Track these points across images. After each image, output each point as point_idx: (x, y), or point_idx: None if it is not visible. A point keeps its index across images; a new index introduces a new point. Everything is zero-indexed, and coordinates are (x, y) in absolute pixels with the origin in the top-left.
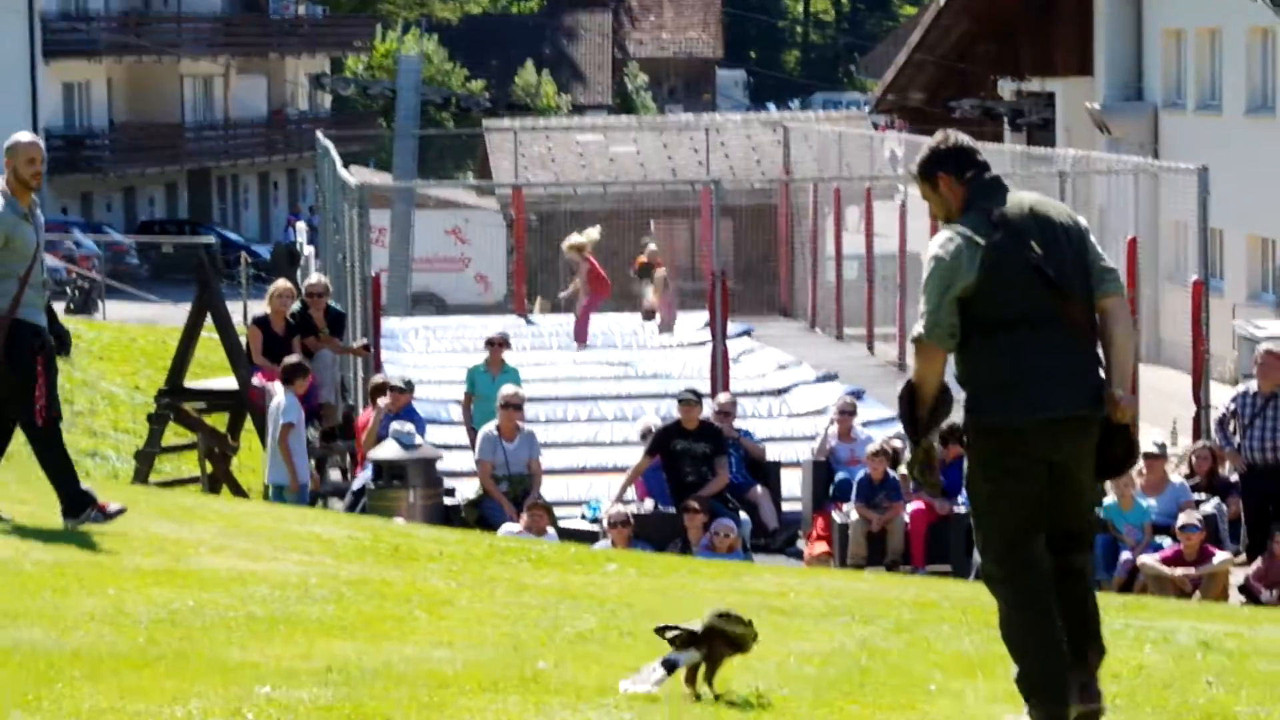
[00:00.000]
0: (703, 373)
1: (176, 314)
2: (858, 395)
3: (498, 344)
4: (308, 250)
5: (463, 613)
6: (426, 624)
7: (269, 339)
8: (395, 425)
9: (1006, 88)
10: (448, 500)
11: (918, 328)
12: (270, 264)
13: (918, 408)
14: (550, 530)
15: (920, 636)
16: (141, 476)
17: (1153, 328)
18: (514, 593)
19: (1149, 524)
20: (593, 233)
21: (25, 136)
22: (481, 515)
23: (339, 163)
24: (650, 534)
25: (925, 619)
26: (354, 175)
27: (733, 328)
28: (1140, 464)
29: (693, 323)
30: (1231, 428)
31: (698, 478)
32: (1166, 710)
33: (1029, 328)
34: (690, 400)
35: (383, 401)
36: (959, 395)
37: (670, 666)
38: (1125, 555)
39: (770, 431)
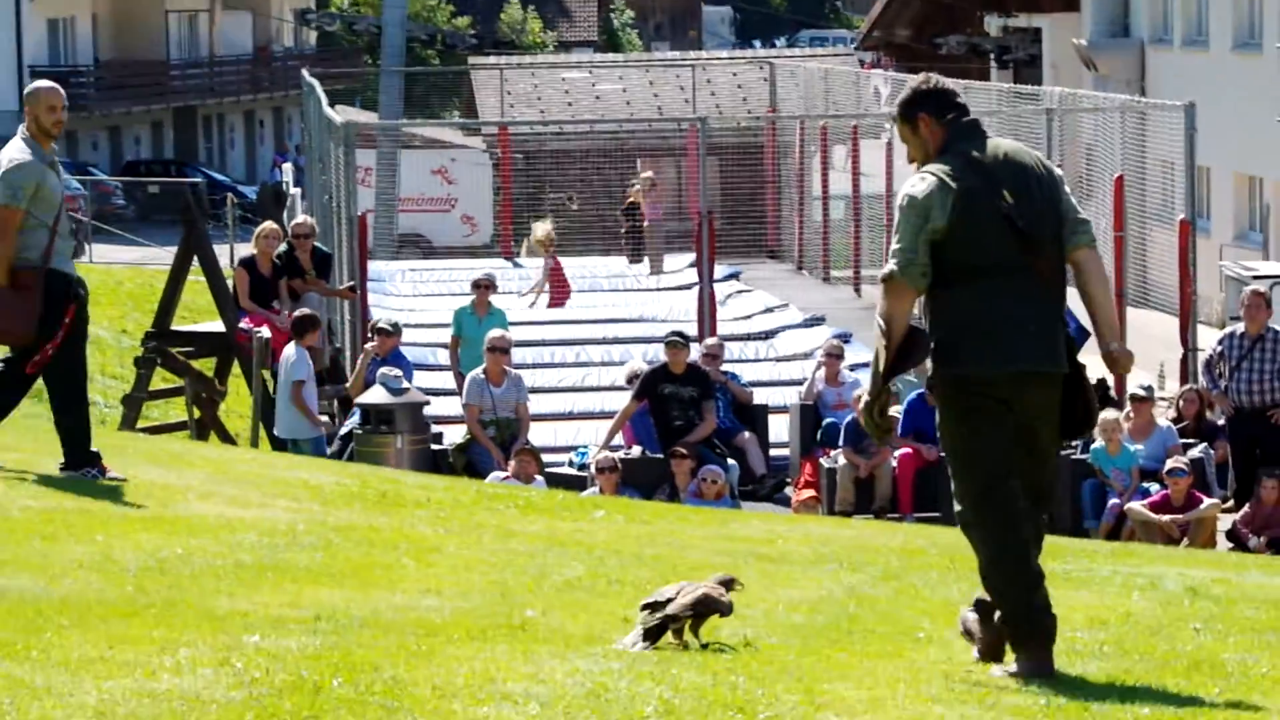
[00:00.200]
0: (689, 315)
1: (163, 256)
2: (845, 339)
3: (484, 286)
4: (294, 191)
5: (450, 560)
6: (414, 571)
7: (255, 281)
8: (382, 370)
9: (993, 24)
10: (435, 446)
11: (889, 265)
12: (256, 205)
13: (884, 348)
14: (538, 477)
15: (908, 584)
16: (129, 422)
17: (1139, 269)
18: (502, 540)
19: (1136, 469)
20: (547, 226)
21: (46, 83)
22: (469, 461)
23: (324, 101)
24: (638, 480)
25: (913, 566)
26: (340, 114)
27: (720, 270)
28: (1128, 407)
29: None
30: (1219, 370)
31: (685, 422)
32: (1154, 657)
33: (999, 276)
34: (677, 343)
35: (369, 345)
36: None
37: (653, 637)
38: (1113, 501)
39: (757, 375)
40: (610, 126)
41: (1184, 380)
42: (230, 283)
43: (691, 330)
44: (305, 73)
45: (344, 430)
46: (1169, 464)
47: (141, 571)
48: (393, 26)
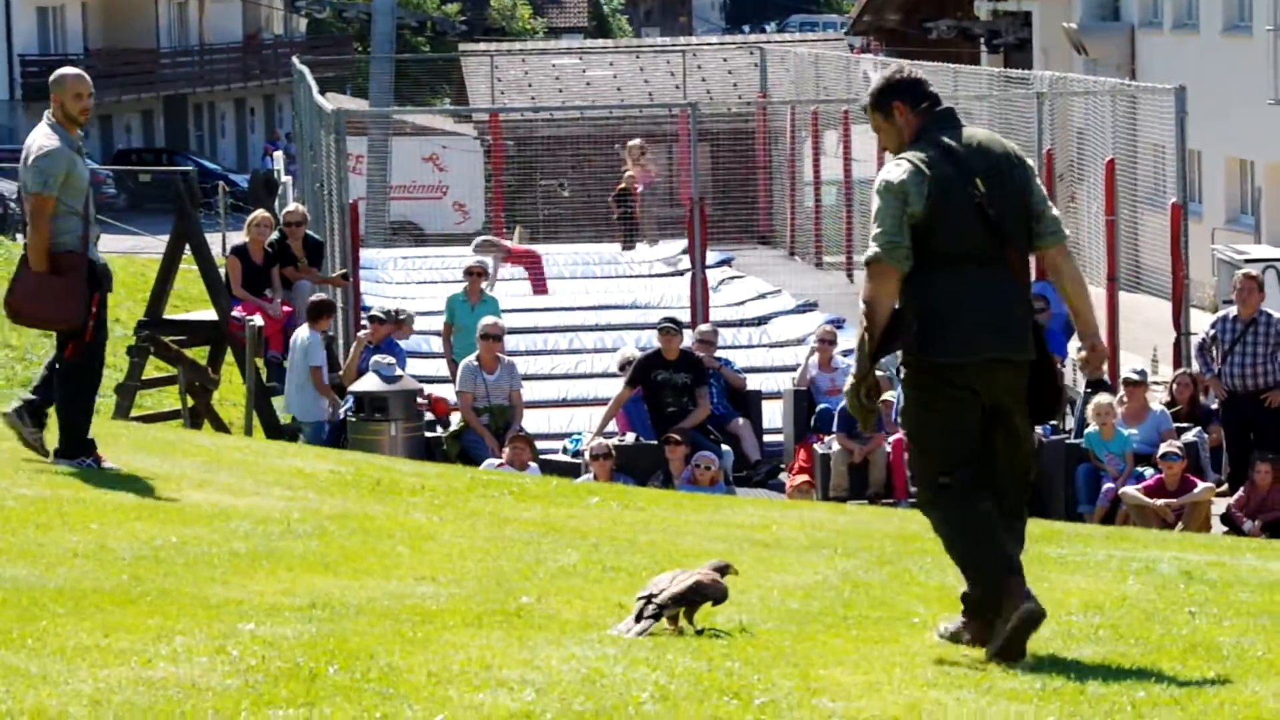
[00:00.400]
0: (682, 301)
1: (155, 245)
2: (838, 324)
3: (477, 274)
4: (285, 179)
5: (445, 547)
6: (409, 558)
7: (248, 269)
8: (376, 358)
9: (983, 7)
10: (429, 433)
11: (873, 249)
12: (248, 193)
13: (869, 332)
14: (532, 464)
15: (903, 569)
16: (122, 411)
17: (1131, 253)
18: (496, 526)
19: (1130, 453)
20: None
21: (72, 70)
22: (463, 448)
23: (315, 89)
24: (632, 467)
25: (907, 551)
26: (330, 101)
27: (712, 256)
28: (1121, 392)
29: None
30: (1212, 354)
31: (679, 408)
32: (1149, 641)
33: (969, 264)
34: (671, 330)
35: (363, 333)
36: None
37: (647, 626)
38: (1107, 485)
39: (750, 361)
40: (601, 113)
41: (1177, 364)
42: (222, 271)
43: (684, 316)
44: (295, 60)
45: (338, 418)
46: (1163, 448)
47: (136, 560)
48: (382, 13)
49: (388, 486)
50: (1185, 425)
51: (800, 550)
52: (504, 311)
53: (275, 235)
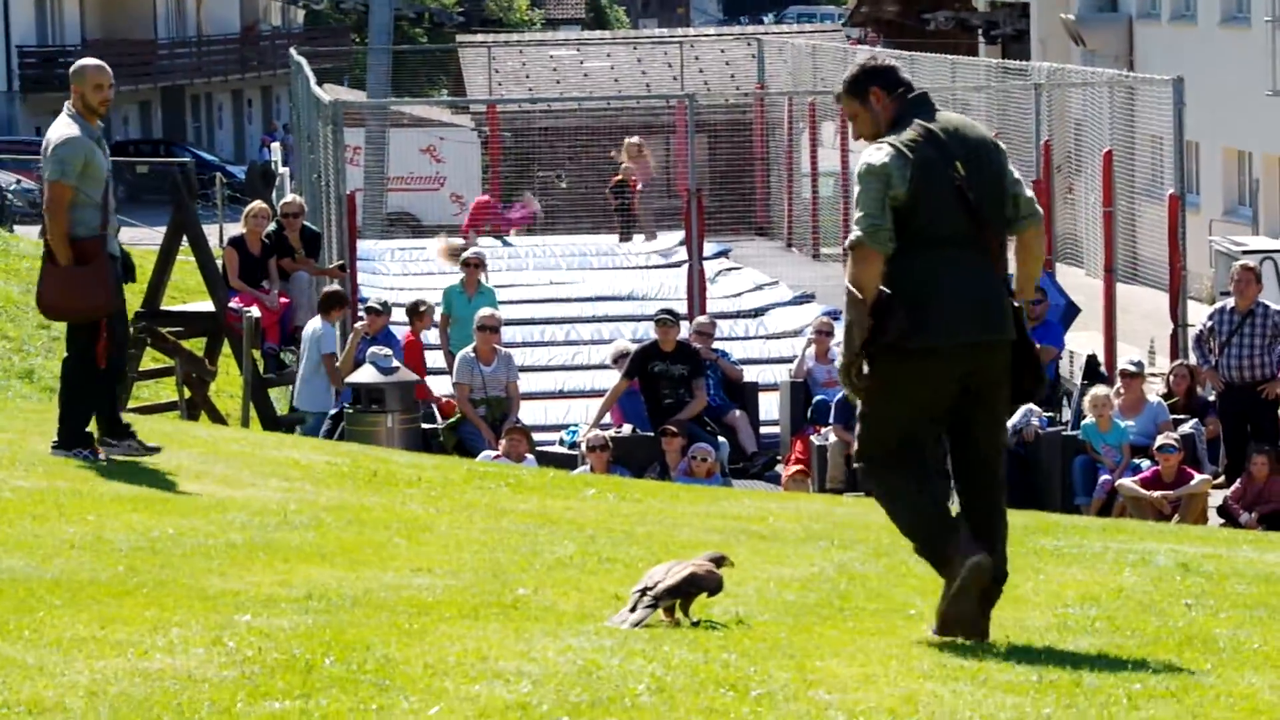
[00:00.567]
0: (679, 293)
1: (152, 236)
2: (835, 315)
3: (473, 265)
4: (282, 170)
5: (442, 539)
6: (406, 550)
7: (245, 261)
8: (373, 349)
9: None
10: (425, 425)
11: (856, 233)
12: (245, 184)
13: (855, 316)
14: (529, 455)
15: (899, 561)
16: (119, 402)
17: (1129, 244)
18: (493, 518)
19: (1127, 445)
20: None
21: (92, 61)
22: (460, 440)
23: (312, 80)
24: (628, 458)
25: (904, 543)
26: (327, 93)
27: (709, 247)
28: (1118, 383)
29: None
30: (1209, 345)
31: (675, 400)
32: (1146, 633)
33: (950, 247)
34: (667, 321)
35: (359, 324)
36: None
37: (643, 616)
38: (1104, 477)
39: (747, 353)
40: (598, 104)
41: (1174, 356)
42: (220, 262)
43: (681, 308)
44: (293, 51)
45: (334, 410)
46: (1160, 440)
47: (133, 551)
48: (380, 5)
49: (384, 478)
50: (1182, 417)
51: (797, 542)
52: (501, 303)
53: (272, 226)
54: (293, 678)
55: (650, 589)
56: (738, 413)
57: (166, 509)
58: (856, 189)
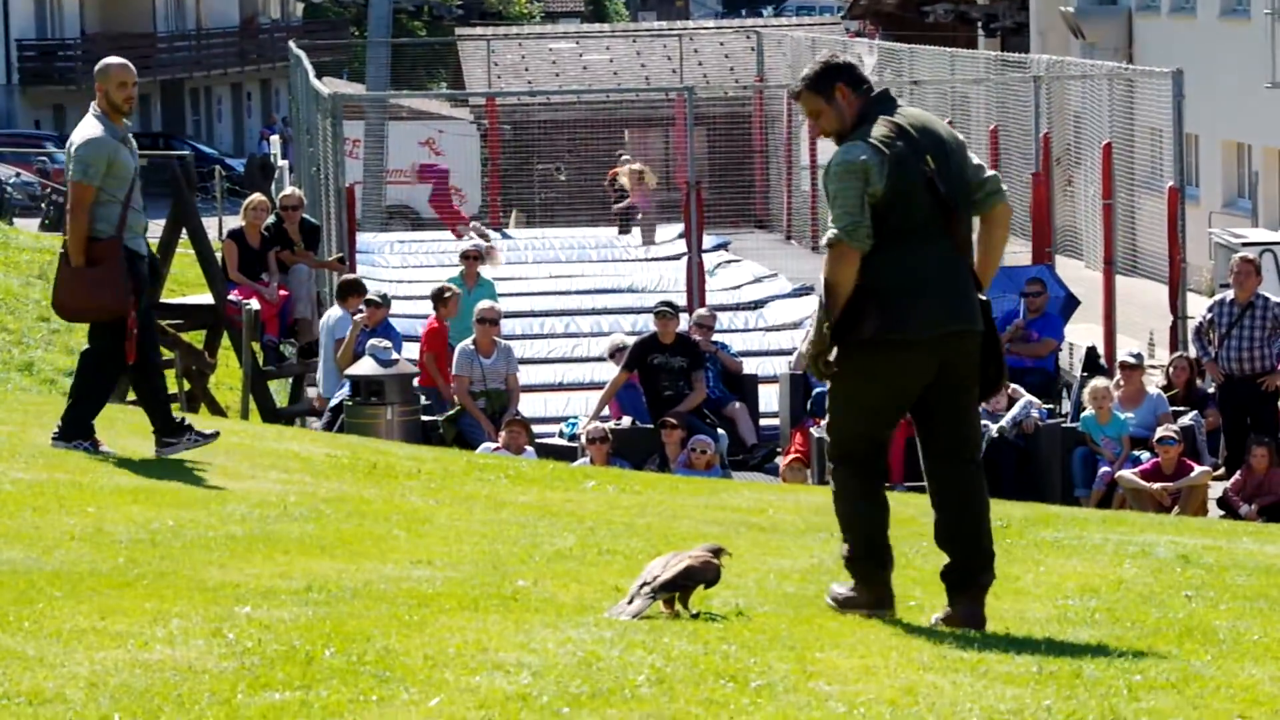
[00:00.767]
0: (678, 285)
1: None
2: None
3: (473, 257)
4: (282, 163)
5: (442, 531)
6: (406, 542)
7: (244, 254)
8: (372, 341)
9: None
10: (425, 417)
11: (832, 231)
12: (244, 177)
13: (829, 312)
14: (528, 448)
15: (899, 552)
16: (119, 395)
17: (1128, 237)
18: (493, 510)
19: (1127, 437)
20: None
21: (116, 60)
22: (459, 432)
23: (311, 73)
24: (628, 451)
25: (904, 535)
26: (327, 86)
27: (708, 240)
28: (1118, 375)
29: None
30: (1209, 338)
31: (675, 392)
32: (1146, 624)
33: (922, 240)
34: (667, 314)
35: (359, 317)
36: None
37: (641, 606)
38: (1103, 469)
39: (747, 345)
40: (597, 97)
41: (1174, 348)
42: (219, 255)
43: (681, 300)
44: (292, 45)
45: (334, 402)
46: (1159, 432)
47: (133, 543)
48: None
49: (384, 470)
50: (1182, 409)
51: (797, 534)
52: (500, 296)
53: (272, 219)
54: (293, 669)
55: (649, 584)
56: (737, 405)
57: (166, 501)
58: (833, 185)
